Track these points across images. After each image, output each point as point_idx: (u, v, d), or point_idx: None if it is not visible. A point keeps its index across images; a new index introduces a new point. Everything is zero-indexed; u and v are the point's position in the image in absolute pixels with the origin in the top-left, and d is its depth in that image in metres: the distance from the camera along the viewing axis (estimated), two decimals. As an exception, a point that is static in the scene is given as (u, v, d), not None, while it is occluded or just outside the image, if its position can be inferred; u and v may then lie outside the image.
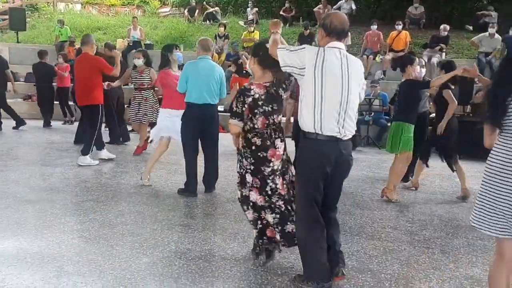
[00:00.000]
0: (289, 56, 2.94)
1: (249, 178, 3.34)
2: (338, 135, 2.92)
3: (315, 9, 15.75)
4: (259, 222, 3.45)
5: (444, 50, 12.24)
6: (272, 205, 3.35)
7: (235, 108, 3.24)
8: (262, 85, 3.27)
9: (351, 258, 3.70)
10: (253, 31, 13.75)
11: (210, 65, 5.23)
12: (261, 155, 3.27)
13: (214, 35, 13.85)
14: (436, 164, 7.88)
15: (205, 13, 17.46)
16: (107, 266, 3.36)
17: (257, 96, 3.23)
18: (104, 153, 7.07)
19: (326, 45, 2.96)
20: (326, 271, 3.04)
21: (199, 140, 5.30)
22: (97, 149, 6.96)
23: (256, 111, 3.24)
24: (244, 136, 3.32)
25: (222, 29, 13.84)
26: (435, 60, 11.75)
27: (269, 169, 3.28)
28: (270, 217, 3.37)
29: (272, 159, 3.28)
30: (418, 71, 5.67)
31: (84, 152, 6.65)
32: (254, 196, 3.36)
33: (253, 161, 3.29)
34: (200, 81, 5.09)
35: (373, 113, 9.70)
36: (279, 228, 3.37)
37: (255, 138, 3.28)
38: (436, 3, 15.69)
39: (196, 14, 17.68)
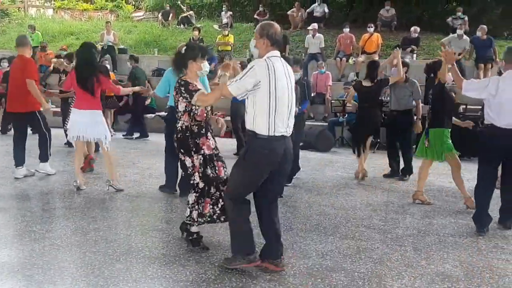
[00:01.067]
0: (239, 86, 3.23)
1: (188, 161, 3.72)
2: (285, 134, 3.29)
3: (288, 13, 15.87)
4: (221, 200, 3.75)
5: (415, 51, 12.48)
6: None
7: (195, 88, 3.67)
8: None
9: (325, 258, 3.74)
10: (228, 35, 13.76)
11: None
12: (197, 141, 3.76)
13: (188, 39, 13.79)
14: (412, 164, 8.04)
15: (179, 17, 17.39)
16: (80, 274, 3.31)
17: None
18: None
19: (267, 54, 3.24)
20: (253, 243, 3.43)
21: None
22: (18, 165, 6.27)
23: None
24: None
25: (196, 33, 13.78)
26: (406, 61, 11.96)
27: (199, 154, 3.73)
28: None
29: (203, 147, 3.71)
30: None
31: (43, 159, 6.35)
32: (197, 179, 3.73)
33: (196, 141, 3.76)
34: None
35: (346, 115, 9.81)
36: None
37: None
38: (407, 5, 15.98)
39: (170, 18, 17.59)
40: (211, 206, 3.73)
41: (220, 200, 3.71)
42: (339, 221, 4.75)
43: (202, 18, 17.97)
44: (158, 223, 4.53)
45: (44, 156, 6.34)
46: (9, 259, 3.52)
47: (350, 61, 12.48)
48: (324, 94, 10.96)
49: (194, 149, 3.67)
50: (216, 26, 16.39)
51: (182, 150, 3.69)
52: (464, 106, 9.26)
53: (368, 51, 12.21)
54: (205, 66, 3.80)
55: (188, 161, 3.67)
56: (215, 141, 3.84)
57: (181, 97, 3.64)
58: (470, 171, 7.62)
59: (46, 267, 3.40)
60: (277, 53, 3.27)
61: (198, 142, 3.68)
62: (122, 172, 6.66)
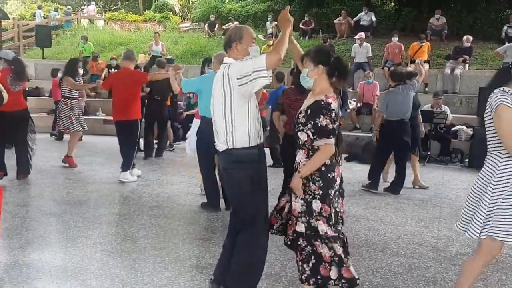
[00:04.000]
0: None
1: (316, 205, 2.82)
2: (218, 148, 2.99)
3: (335, 21, 15.76)
4: (313, 257, 2.88)
5: (468, 61, 12.06)
6: (341, 235, 2.88)
7: (330, 126, 2.75)
8: (335, 98, 2.86)
9: (376, 275, 3.62)
10: (272, 45, 13.78)
11: None
12: (330, 176, 2.82)
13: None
14: (462, 177, 7.73)
15: (224, 27, 17.63)
16: (130, 280, 3.36)
17: (336, 110, 2.82)
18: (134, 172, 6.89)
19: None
20: None
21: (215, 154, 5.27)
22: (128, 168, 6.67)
23: (334, 127, 2.80)
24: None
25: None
26: (458, 71, 11.59)
27: (333, 191, 2.85)
28: (340, 251, 2.86)
29: (337, 178, 2.88)
30: None
31: (124, 168, 6.57)
32: (322, 227, 2.82)
33: (322, 184, 2.81)
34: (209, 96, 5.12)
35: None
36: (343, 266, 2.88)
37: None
38: (459, 13, 15.51)
39: (216, 28, 17.88)
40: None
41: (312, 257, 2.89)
42: (388, 237, 4.61)
43: (248, 29, 18.13)
44: (204, 232, 4.55)
45: (126, 166, 6.57)
46: (62, 263, 3.63)
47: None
48: (371, 104, 10.74)
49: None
50: (261, 36, 16.46)
51: None
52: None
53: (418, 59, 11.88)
54: None
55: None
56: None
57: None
58: None
59: (98, 272, 3.47)
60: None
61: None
62: (169, 180, 6.78)
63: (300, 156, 2.89)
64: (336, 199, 2.88)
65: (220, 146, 2.94)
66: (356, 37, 12.76)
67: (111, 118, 7.14)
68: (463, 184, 7.26)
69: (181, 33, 19.52)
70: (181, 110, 11.48)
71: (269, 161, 8.00)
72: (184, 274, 3.51)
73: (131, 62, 6.70)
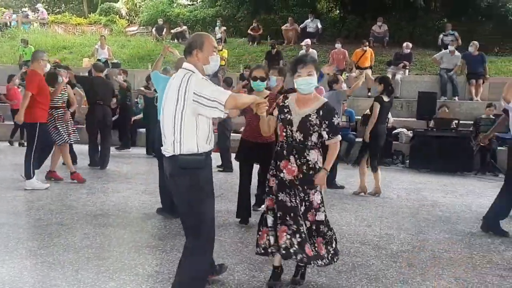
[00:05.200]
0: None
1: (318, 197, 3.37)
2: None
3: (282, 28, 16.02)
4: (334, 238, 3.48)
5: (408, 67, 12.61)
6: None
7: (339, 124, 3.43)
8: None
9: (320, 275, 3.71)
10: (222, 50, 13.83)
11: None
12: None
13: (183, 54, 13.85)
14: (403, 178, 8.10)
15: (173, 32, 17.49)
16: (72, 292, 3.26)
17: None
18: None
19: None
20: None
21: None
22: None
23: None
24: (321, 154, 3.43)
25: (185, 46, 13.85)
26: (399, 77, 12.09)
27: None
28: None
29: None
30: None
31: (26, 176, 6.32)
32: (322, 215, 3.38)
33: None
34: None
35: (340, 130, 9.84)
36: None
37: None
38: (399, 21, 16.20)
39: (164, 33, 17.70)
40: (287, 236, 3.25)
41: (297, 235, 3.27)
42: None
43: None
44: (151, 239, 4.49)
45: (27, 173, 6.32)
46: (0, 277, 3.46)
47: (343, 76, 12.56)
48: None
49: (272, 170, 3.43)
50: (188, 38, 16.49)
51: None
52: (456, 121, 9.34)
53: (361, 66, 12.30)
54: None
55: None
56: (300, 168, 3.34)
57: None
58: (463, 185, 7.71)
59: (38, 285, 3.34)
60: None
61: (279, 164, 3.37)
62: (115, 188, 6.63)
63: (315, 155, 3.32)
64: None
65: (167, 151, 2.88)
66: (303, 43, 13.04)
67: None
68: (404, 184, 7.60)
69: (128, 37, 19.18)
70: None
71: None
72: (130, 283, 3.45)
73: (35, 62, 6.33)
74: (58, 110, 6.99)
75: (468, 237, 4.90)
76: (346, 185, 7.31)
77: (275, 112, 3.42)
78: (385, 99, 6.55)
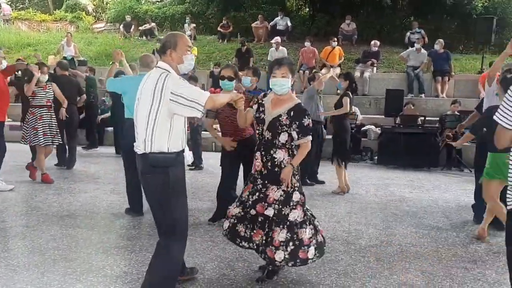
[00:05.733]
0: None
1: (296, 196, 3.39)
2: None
3: (252, 25, 16.01)
4: (290, 243, 3.35)
5: (375, 64, 12.82)
6: (308, 217, 3.48)
7: (310, 125, 3.39)
8: None
9: (290, 271, 3.73)
10: (191, 47, 13.71)
11: None
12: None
13: (152, 51, 13.69)
14: (372, 174, 8.24)
15: (141, 29, 17.24)
16: (36, 296, 3.17)
17: None
18: None
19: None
20: None
21: None
22: None
23: None
24: (292, 153, 3.41)
25: (159, 45, 13.69)
26: (367, 74, 12.28)
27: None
28: (308, 231, 3.39)
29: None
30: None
31: None
32: (296, 213, 3.36)
33: (298, 177, 3.43)
34: None
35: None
36: (316, 240, 3.44)
37: None
38: (367, 19, 16.44)
39: (132, 30, 17.42)
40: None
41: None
42: (304, 234, 4.77)
43: (165, 30, 17.88)
44: (119, 240, 4.42)
45: None
46: (-40, 283, 3.34)
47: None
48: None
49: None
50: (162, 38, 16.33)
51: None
52: (422, 118, 9.56)
53: (330, 64, 12.43)
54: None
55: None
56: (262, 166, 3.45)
57: None
58: (429, 180, 7.90)
59: (1, 290, 3.25)
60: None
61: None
62: (82, 188, 6.50)
63: (282, 155, 3.36)
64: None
65: (139, 148, 2.90)
66: (273, 41, 13.07)
67: (17, 123, 6.67)
68: (373, 180, 7.73)
69: (95, 34, 18.79)
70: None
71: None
72: (97, 285, 3.39)
73: None
74: (41, 109, 6.71)
75: (434, 231, 5.02)
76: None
77: (255, 106, 3.54)
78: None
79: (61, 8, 22.37)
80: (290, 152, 3.40)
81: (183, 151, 2.96)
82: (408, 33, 14.03)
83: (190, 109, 2.77)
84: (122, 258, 3.92)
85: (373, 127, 10.23)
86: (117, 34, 17.90)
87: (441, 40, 11.94)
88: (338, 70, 11.67)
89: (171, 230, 2.89)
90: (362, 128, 10.24)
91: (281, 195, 3.35)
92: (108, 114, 10.71)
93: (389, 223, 5.26)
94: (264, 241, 3.36)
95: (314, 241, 3.41)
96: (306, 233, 3.36)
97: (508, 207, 2.20)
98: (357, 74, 12.35)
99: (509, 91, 2.22)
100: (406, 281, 3.65)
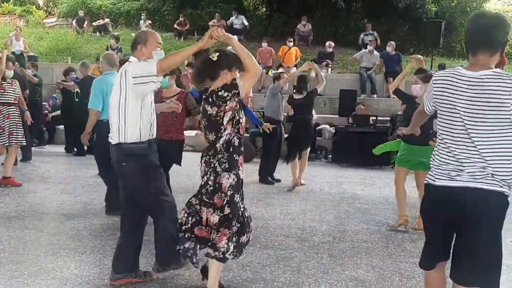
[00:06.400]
0: None
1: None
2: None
3: (210, 23, 15.93)
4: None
5: (330, 65, 13.07)
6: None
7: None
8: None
9: (245, 269, 3.76)
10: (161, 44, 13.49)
11: None
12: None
13: (105, 47, 13.37)
14: (326, 172, 8.40)
15: (95, 24, 16.79)
16: (-20, 301, 3.04)
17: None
18: None
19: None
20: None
21: None
22: None
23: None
24: None
25: (114, 41, 13.40)
26: (322, 75, 12.46)
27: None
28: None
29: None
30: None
31: None
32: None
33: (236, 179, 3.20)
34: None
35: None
36: (236, 238, 3.09)
37: None
38: (322, 21, 16.73)
39: (85, 25, 16.93)
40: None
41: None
42: (259, 232, 4.80)
43: (119, 26, 17.50)
44: (69, 241, 4.29)
45: None
46: None
47: (270, 73, 12.76)
48: (245, 105, 11.07)
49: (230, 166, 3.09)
50: (134, 35, 16.03)
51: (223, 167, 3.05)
52: (374, 118, 9.84)
53: (287, 64, 12.56)
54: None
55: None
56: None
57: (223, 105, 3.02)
58: (381, 178, 8.14)
59: None
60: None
61: (237, 159, 3.11)
62: (32, 188, 6.27)
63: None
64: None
65: (113, 138, 3.16)
66: (230, 40, 13.04)
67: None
68: (327, 178, 7.89)
69: (46, 29, 18.11)
70: (46, 111, 10.74)
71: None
72: (46, 287, 3.28)
73: None
74: (9, 108, 6.35)
75: (385, 227, 5.18)
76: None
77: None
78: (295, 96, 7.00)
79: (10, 1, 21.41)
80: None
81: (155, 140, 3.24)
82: (361, 35, 14.41)
83: (151, 83, 3.01)
84: (72, 260, 3.81)
85: (327, 126, 10.44)
86: (69, 29, 17.35)
87: (393, 42, 12.34)
88: (294, 70, 11.80)
89: (158, 208, 3.22)
90: (317, 128, 10.42)
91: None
92: (58, 112, 10.38)
93: (342, 220, 5.39)
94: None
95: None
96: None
97: (425, 182, 2.48)
98: (312, 74, 12.52)
99: (431, 82, 2.48)
100: (358, 276, 3.75)
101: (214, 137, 3.05)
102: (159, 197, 3.22)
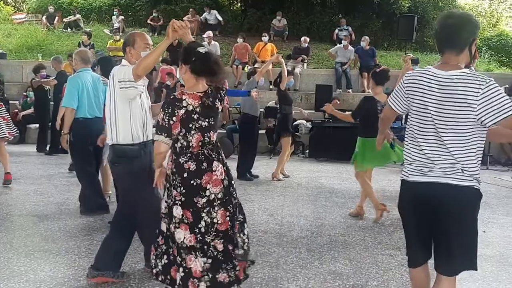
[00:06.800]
0: None
1: (177, 211, 2.73)
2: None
3: (184, 19, 15.72)
4: (165, 256, 2.85)
5: (306, 60, 13.11)
6: (205, 246, 2.75)
7: (161, 122, 2.71)
8: (196, 95, 2.78)
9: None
10: (119, 40, 13.28)
11: (94, 77, 5.06)
12: (194, 183, 2.70)
13: (77, 44, 13.11)
14: (304, 167, 8.44)
15: (66, 21, 16.42)
16: (-51, 307, 2.94)
17: (191, 108, 2.74)
18: None
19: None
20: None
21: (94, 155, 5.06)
22: None
23: (191, 125, 2.75)
24: (175, 160, 2.78)
25: (86, 37, 13.14)
26: (298, 70, 12.52)
27: (204, 200, 2.73)
28: (199, 263, 2.73)
29: (208, 186, 2.74)
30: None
31: None
32: (182, 234, 2.73)
33: (184, 191, 2.72)
34: (87, 95, 4.90)
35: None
36: (209, 276, 2.74)
37: (190, 162, 2.73)
38: (297, 16, 16.77)
39: (55, 21, 16.53)
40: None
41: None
42: (237, 228, 4.79)
43: (91, 22, 17.16)
44: (43, 243, 4.19)
45: None
46: None
47: (246, 69, 12.73)
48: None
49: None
50: (107, 31, 15.75)
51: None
52: (350, 113, 9.89)
53: (262, 60, 12.54)
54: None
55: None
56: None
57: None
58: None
59: None
60: None
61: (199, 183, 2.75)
62: (3, 189, 6.10)
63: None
64: (212, 208, 2.75)
65: (109, 140, 3.26)
66: (205, 35, 12.97)
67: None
68: (304, 174, 7.93)
69: (14, 25, 17.61)
70: (16, 110, 10.47)
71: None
72: (19, 290, 3.20)
73: None
74: None
75: (361, 220, 5.24)
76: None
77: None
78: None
79: (-25, -4, 20.78)
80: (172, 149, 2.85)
81: (149, 141, 3.24)
82: (336, 30, 14.50)
83: (132, 88, 3.08)
84: (46, 262, 3.72)
85: (304, 121, 10.47)
86: (39, 25, 16.91)
87: (367, 37, 12.46)
88: (270, 66, 11.78)
89: (141, 214, 3.27)
90: (294, 123, 10.43)
91: (165, 207, 2.84)
92: (31, 110, 10.13)
93: (319, 214, 5.42)
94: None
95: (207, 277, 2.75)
96: (197, 264, 2.73)
97: (400, 178, 2.53)
98: (288, 69, 12.56)
99: (401, 81, 2.51)
100: (335, 269, 3.77)
101: (215, 135, 2.91)
102: (146, 203, 3.20)
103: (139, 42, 3.27)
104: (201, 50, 2.78)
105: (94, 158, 5.00)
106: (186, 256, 2.73)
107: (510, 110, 2.19)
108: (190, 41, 2.92)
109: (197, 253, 2.73)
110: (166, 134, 2.71)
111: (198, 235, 2.73)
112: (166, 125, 2.70)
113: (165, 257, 2.85)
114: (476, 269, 2.38)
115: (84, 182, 5.03)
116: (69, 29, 16.13)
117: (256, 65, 12.29)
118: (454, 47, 2.34)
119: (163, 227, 2.87)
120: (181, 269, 2.75)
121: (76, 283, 3.34)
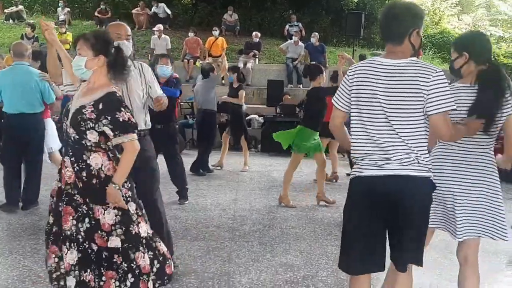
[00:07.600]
0: None
1: (132, 207, 2.58)
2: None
3: (133, 12, 15.43)
4: (130, 274, 2.54)
5: (257, 56, 13.17)
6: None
7: (133, 120, 2.52)
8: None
9: (175, 262, 3.71)
10: (65, 33, 12.82)
11: (26, 72, 4.87)
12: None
13: (20, 36, 12.53)
14: (256, 161, 8.51)
15: (7, 11, 15.64)
16: None
17: None
18: None
19: None
20: None
21: (20, 151, 4.95)
22: None
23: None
24: (115, 157, 2.59)
25: (29, 29, 12.59)
26: (249, 65, 12.57)
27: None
28: (163, 247, 2.75)
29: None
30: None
31: None
32: (144, 228, 2.62)
33: (129, 185, 2.61)
34: (14, 90, 4.78)
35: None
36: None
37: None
38: (249, 11, 16.78)
39: (-4, 12, 15.74)
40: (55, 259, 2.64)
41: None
42: (190, 224, 4.78)
43: (35, 14, 16.43)
44: (-14, 244, 4.02)
45: None
46: None
47: (198, 63, 12.64)
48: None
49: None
50: (52, 24, 15.12)
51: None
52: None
53: (213, 54, 12.48)
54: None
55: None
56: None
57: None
58: (307, 165, 8.38)
59: None
60: None
61: None
62: None
63: (99, 159, 2.49)
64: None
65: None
66: (155, 29, 12.76)
67: None
68: (256, 168, 8.00)
69: (-51, 15, 16.59)
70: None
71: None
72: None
73: None
74: None
75: (312, 212, 5.36)
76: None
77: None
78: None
79: None
80: (111, 155, 2.55)
81: (148, 131, 3.30)
82: (287, 26, 14.64)
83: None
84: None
85: (256, 116, 10.54)
86: (-23, 16, 16.03)
87: (317, 34, 12.67)
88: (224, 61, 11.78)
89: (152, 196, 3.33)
90: (246, 118, 10.48)
91: (115, 215, 2.52)
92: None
93: (272, 208, 5.50)
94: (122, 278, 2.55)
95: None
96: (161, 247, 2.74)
97: (351, 177, 2.41)
98: (240, 65, 12.57)
99: (344, 77, 2.43)
100: (287, 261, 3.85)
101: None
102: (149, 190, 3.28)
103: (110, 33, 2.98)
104: None
105: (16, 154, 4.92)
106: (157, 244, 2.73)
107: (448, 106, 2.20)
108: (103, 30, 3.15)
109: (158, 238, 2.84)
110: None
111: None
112: (135, 123, 2.57)
113: (130, 275, 2.56)
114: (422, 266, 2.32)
115: (6, 174, 5.01)
116: (11, 20, 15.39)
117: (209, 60, 12.24)
118: (394, 37, 2.30)
119: (116, 242, 2.55)
120: (155, 262, 2.68)
121: (21, 284, 3.22)
